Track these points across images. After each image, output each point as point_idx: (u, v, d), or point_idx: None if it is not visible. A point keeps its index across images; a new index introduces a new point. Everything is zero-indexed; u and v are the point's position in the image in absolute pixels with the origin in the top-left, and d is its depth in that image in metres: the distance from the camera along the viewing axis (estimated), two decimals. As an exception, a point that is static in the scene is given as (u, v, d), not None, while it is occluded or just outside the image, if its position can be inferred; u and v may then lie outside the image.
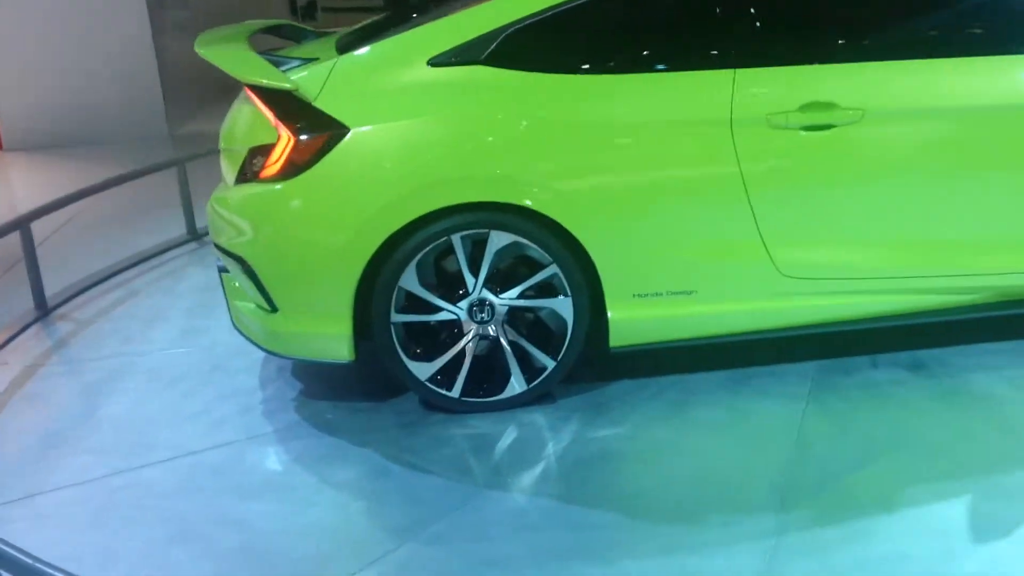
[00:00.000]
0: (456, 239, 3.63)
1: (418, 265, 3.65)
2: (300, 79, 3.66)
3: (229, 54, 3.91)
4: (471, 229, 3.63)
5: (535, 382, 3.79)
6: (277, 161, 3.65)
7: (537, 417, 3.76)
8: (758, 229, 3.69)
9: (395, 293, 3.67)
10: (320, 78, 3.69)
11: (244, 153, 3.80)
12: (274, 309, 3.79)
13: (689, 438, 3.57)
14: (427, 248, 3.63)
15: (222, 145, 4.03)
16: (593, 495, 3.28)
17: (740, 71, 3.63)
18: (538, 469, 3.45)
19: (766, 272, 3.75)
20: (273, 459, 3.65)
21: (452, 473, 3.45)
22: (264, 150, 3.71)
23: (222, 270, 4.09)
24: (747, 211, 3.67)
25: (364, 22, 4.50)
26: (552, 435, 3.64)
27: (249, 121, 3.85)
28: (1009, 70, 3.66)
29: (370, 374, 3.99)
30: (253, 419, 3.92)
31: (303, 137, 3.61)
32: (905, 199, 3.72)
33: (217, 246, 3.96)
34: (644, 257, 3.69)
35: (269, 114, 3.68)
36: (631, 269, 3.71)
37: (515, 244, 3.64)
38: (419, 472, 3.47)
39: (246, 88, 3.79)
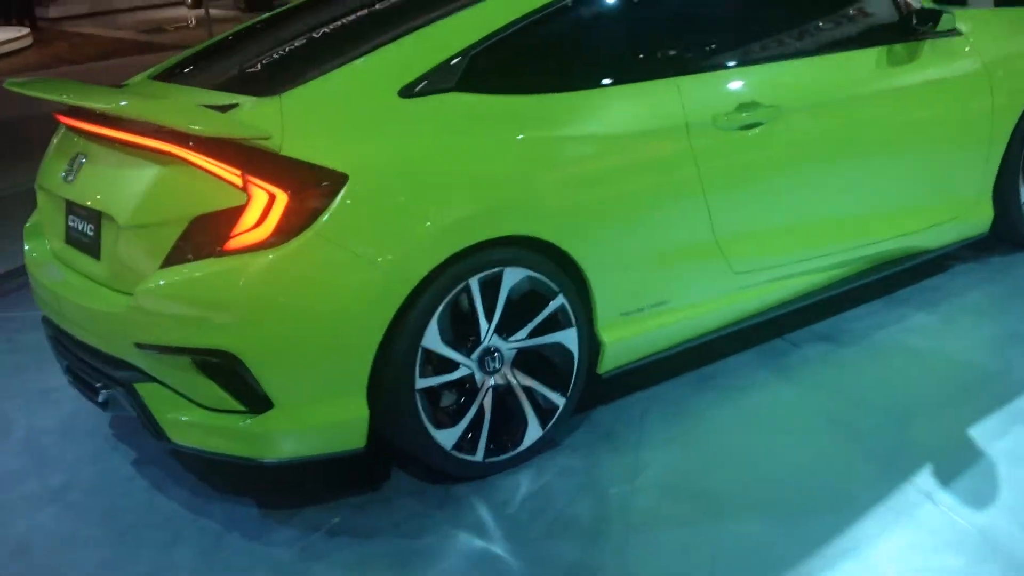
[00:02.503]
0: (474, 282, 3.27)
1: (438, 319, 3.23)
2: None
3: (157, 104, 3.19)
4: (487, 269, 3.29)
5: (550, 424, 3.52)
6: (259, 225, 3.02)
7: (565, 461, 3.48)
8: (713, 230, 3.78)
9: (419, 354, 3.20)
10: (272, 123, 3.13)
11: (180, 226, 3.09)
12: (264, 407, 3.11)
13: (732, 441, 3.53)
14: (448, 297, 3.22)
15: (124, 222, 3.21)
16: (729, 513, 3.13)
17: (682, 79, 3.71)
18: (641, 503, 3.20)
19: (721, 271, 3.85)
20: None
21: (575, 541, 3.07)
22: (221, 217, 3.05)
23: (129, 382, 3.24)
24: (705, 214, 3.74)
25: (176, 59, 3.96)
26: (607, 473, 3.39)
27: (170, 185, 3.14)
28: (887, 59, 4.16)
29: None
30: (250, 549, 3.17)
31: (295, 192, 3.03)
32: (819, 184, 4.03)
33: (148, 347, 3.15)
34: (630, 273, 3.61)
35: (229, 172, 3.04)
36: (619, 288, 3.60)
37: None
38: (544, 544, 3.07)
39: (156, 145, 3.11)
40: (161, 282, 3.09)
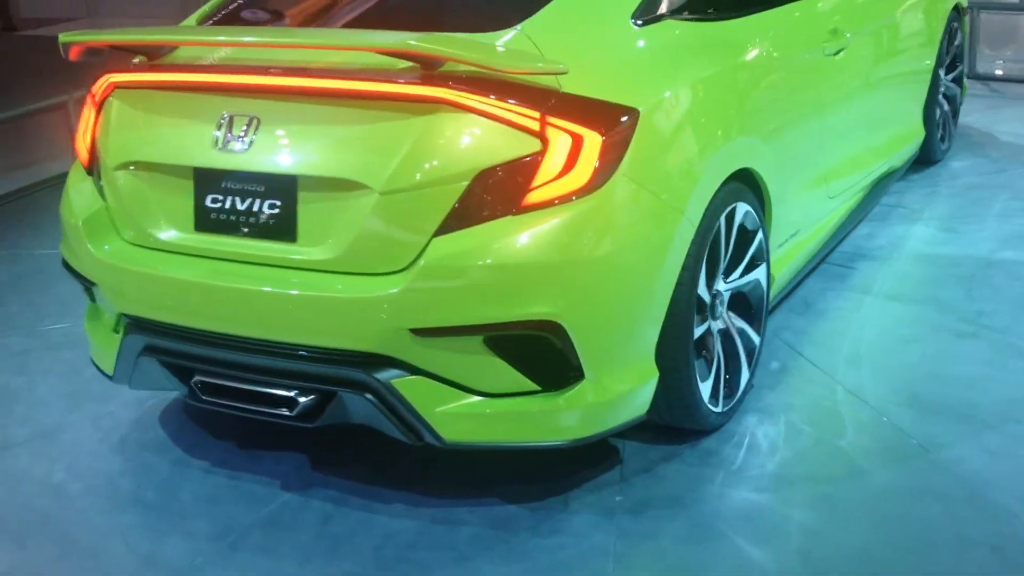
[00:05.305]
0: (722, 220, 3.07)
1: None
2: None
3: (443, 40, 2.65)
4: (728, 205, 3.09)
5: (753, 365, 3.38)
6: (567, 172, 2.64)
7: (776, 400, 3.36)
8: (822, 158, 3.83)
9: (695, 302, 2.96)
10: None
11: (460, 183, 2.61)
12: (570, 381, 2.73)
13: (906, 357, 3.61)
14: (710, 238, 3.00)
15: (384, 188, 2.63)
16: (991, 422, 3.19)
17: (798, 3, 3.70)
18: (906, 425, 3.17)
19: (822, 198, 3.93)
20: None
21: (892, 468, 3.01)
22: (512, 167, 2.63)
23: (382, 379, 2.69)
24: (820, 140, 3.79)
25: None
26: (834, 404, 3.32)
27: (441, 137, 2.63)
28: None
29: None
30: (563, 545, 2.76)
31: (605, 132, 2.67)
32: (870, 108, 4.25)
33: (431, 331, 2.64)
34: (787, 205, 3.56)
35: (523, 115, 2.62)
36: (781, 220, 3.54)
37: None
38: (862, 477, 2.97)
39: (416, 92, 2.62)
40: (454, 251, 2.59)
